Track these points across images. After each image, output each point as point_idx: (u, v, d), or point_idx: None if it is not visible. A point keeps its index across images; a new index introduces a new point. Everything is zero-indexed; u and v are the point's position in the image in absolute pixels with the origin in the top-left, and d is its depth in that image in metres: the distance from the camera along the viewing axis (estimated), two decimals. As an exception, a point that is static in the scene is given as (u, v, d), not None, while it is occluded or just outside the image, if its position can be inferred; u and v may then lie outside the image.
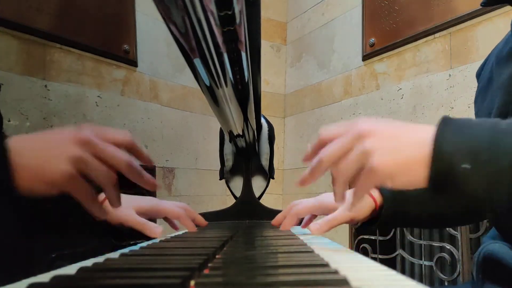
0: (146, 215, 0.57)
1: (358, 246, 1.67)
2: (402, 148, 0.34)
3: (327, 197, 0.60)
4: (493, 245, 0.55)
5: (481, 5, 0.58)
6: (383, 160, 0.34)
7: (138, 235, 0.63)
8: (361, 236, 1.64)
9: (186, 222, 0.61)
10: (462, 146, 0.32)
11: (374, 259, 1.53)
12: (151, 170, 1.67)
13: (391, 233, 1.50)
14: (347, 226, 1.70)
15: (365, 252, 1.62)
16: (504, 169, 0.30)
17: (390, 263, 1.55)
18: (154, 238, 0.57)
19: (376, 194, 0.57)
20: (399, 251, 1.52)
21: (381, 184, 0.36)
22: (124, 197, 0.48)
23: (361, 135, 0.36)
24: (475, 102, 0.66)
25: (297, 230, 0.66)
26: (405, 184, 0.35)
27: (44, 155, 0.35)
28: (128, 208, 0.54)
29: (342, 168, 0.39)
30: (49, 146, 0.36)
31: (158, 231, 0.53)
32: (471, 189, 0.32)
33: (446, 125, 0.34)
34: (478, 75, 0.70)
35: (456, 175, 0.32)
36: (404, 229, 1.44)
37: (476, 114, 0.65)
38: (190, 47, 0.42)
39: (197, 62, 0.47)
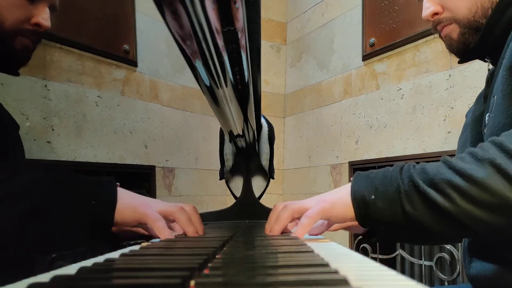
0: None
1: (358, 246, 1.67)
2: (329, 198, 0.52)
3: (306, 203, 0.59)
4: None
5: (458, 63, 0.67)
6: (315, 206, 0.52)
7: (137, 236, 0.63)
8: (361, 236, 1.64)
9: (188, 232, 0.55)
10: (367, 185, 0.48)
11: (374, 259, 1.53)
12: (150, 170, 1.67)
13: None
14: (347, 226, 1.70)
15: (365, 252, 1.62)
16: (393, 192, 0.46)
17: (390, 263, 1.55)
18: (153, 238, 0.57)
19: None
20: (399, 251, 1.52)
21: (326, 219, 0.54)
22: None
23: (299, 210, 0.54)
24: (460, 134, 0.77)
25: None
26: (339, 219, 0.51)
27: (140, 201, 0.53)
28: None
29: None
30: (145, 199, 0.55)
31: (167, 232, 0.52)
32: (380, 213, 0.47)
33: (357, 176, 0.51)
34: (467, 114, 0.80)
35: (368, 205, 0.48)
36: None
37: (458, 143, 0.75)
38: (191, 49, 0.42)
39: (197, 62, 0.47)
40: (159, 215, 0.52)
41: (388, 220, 0.47)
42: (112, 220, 0.49)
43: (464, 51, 0.63)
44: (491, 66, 0.64)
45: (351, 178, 0.50)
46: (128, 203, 0.50)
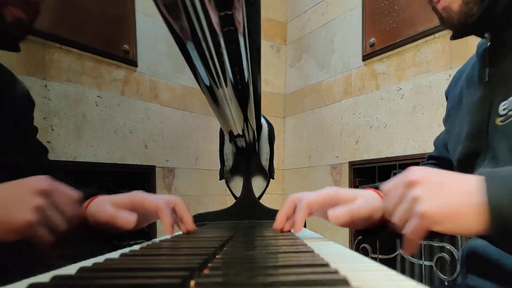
0: (126, 209, 0.52)
1: (358, 246, 1.67)
2: (449, 197, 0.37)
3: (339, 189, 0.55)
4: (475, 241, 0.59)
5: (450, 39, 0.61)
6: (430, 206, 0.37)
7: (136, 235, 0.61)
8: (361, 236, 1.64)
9: (164, 219, 0.52)
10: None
11: (374, 259, 1.54)
12: (150, 169, 1.67)
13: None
14: (347, 226, 1.70)
15: (365, 252, 1.62)
16: None
17: (390, 263, 1.55)
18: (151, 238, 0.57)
19: None
20: (399, 251, 1.52)
21: (430, 229, 0.37)
22: (104, 197, 0.54)
23: (411, 183, 0.39)
24: (445, 121, 0.70)
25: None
26: (454, 231, 0.37)
27: (7, 205, 0.39)
28: (105, 204, 0.51)
29: (396, 216, 0.41)
30: (12, 197, 0.40)
31: (131, 219, 0.48)
32: None
33: (493, 178, 0.36)
34: (447, 94, 0.74)
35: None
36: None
37: (448, 132, 0.68)
38: (181, 27, 0.41)
39: (197, 62, 0.47)
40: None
41: None
42: None
43: (463, 24, 0.55)
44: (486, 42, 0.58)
45: (482, 181, 0.36)
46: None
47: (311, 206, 0.53)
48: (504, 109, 0.51)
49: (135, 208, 0.51)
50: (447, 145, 0.68)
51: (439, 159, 0.76)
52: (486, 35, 0.58)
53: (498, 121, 0.52)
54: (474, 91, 0.58)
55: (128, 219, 0.48)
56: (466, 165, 0.58)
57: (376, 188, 0.59)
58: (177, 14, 0.37)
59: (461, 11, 0.54)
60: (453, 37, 0.60)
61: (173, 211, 0.55)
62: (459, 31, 0.57)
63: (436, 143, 0.78)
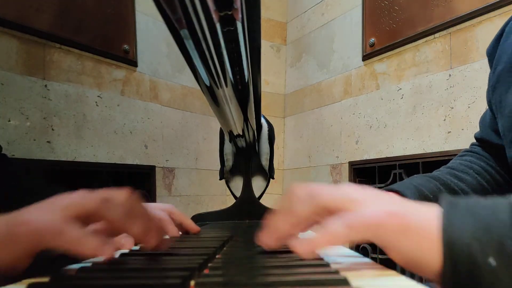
0: None
1: (358, 246, 1.67)
2: (405, 217, 0.28)
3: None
4: None
5: None
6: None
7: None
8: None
9: (170, 231, 0.49)
10: (481, 234, 0.25)
11: (374, 259, 1.53)
12: (150, 170, 1.67)
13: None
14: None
15: (365, 252, 1.62)
16: None
17: (390, 263, 1.55)
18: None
19: None
20: (399, 251, 1.52)
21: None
22: None
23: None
24: (492, 90, 0.54)
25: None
26: (407, 259, 0.28)
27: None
28: None
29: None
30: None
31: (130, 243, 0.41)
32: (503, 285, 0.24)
33: (452, 207, 0.27)
34: (491, 54, 0.57)
35: (480, 269, 0.24)
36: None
37: (498, 105, 0.52)
38: (176, 16, 0.39)
39: (197, 62, 0.47)
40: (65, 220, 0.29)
41: None
42: None
43: None
44: None
45: (439, 207, 0.28)
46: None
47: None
48: None
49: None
50: (496, 127, 0.53)
51: (484, 143, 0.62)
52: None
53: None
54: None
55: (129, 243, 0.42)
56: None
57: (390, 190, 0.52)
58: (177, 14, 0.37)
59: None
60: None
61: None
62: None
63: (481, 122, 0.62)
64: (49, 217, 0.28)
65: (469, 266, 0.24)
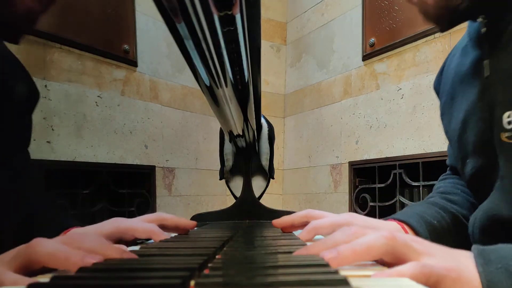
0: (112, 239, 0.47)
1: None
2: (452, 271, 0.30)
3: (357, 218, 0.49)
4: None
5: (441, 31, 0.51)
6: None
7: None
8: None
9: (160, 239, 0.49)
10: None
11: (374, 259, 1.53)
12: (150, 170, 1.67)
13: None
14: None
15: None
16: None
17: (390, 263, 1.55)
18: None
19: None
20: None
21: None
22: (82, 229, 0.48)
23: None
24: (442, 119, 0.61)
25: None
26: None
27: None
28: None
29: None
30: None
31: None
32: None
33: (487, 263, 0.30)
34: (436, 88, 0.64)
35: None
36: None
37: (446, 133, 0.61)
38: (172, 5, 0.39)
39: (197, 62, 0.47)
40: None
41: None
42: None
43: (449, 15, 0.46)
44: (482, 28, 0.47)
45: (476, 263, 0.31)
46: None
47: (317, 231, 0.47)
48: (509, 122, 0.42)
49: (123, 237, 0.47)
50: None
51: (452, 169, 0.69)
52: (480, 19, 0.47)
53: (504, 137, 0.43)
54: (469, 88, 0.49)
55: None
56: (481, 180, 0.50)
57: (400, 220, 0.53)
58: (177, 14, 0.38)
59: (437, 5, 0.45)
60: (441, 31, 0.50)
61: (163, 227, 0.53)
62: (444, 24, 0.48)
63: (449, 150, 0.69)
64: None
65: None
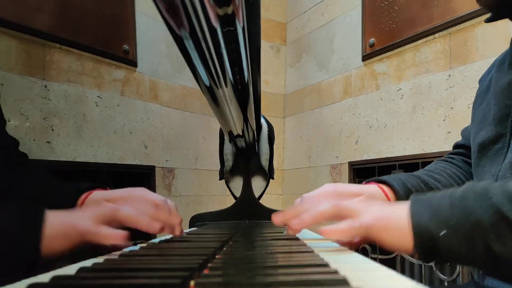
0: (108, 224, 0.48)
1: (358, 247, 1.67)
2: (385, 212, 0.43)
3: (339, 187, 0.54)
4: None
5: (485, 21, 0.59)
6: (369, 217, 0.43)
7: (136, 236, 0.59)
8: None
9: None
10: (433, 217, 0.39)
11: (374, 259, 1.53)
12: (150, 170, 1.67)
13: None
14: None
15: (365, 252, 1.62)
16: (472, 226, 0.37)
17: (390, 263, 1.55)
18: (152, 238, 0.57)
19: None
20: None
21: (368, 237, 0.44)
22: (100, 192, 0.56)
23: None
24: (473, 105, 0.69)
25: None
26: (386, 245, 0.42)
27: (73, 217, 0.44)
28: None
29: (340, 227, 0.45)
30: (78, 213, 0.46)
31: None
32: (454, 250, 0.38)
33: (416, 202, 0.41)
34: (480, 80, 0.72)
35: (437, 241, 0.38)
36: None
37: (472, 117, 0.67)
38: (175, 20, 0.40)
39: (197, 62, 0.47)
40: (96, 223, 0.43)
41: (463, 257, 0.38)
42: (37, 257, 0.40)
43: (501, 3, 0.52)
44: None
45: (409, 204, 0.42)
46: (57, 230, 0.41)
47: (318, 221, 0.50)
48: None
49: (116, 224, 0.48)
50: None
51: (464, 148, 0.75)
52: None
53: None
54: (503, 75, 0.57)
55: (111, 237, 0.43)
56: (487, 149, 0.57)
57: (379, 181, 0.59)
58: (177, 14, 0.38)
59: None
60: (488, 20, 0.57)
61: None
62: (496, 11, 0.55)
63: (463, 132, 0.77)
64: (88, 222, 0.43)
65: (430, 240, 0.38)
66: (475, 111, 0.66)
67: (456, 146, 0.78)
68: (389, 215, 0.42)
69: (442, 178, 0.66)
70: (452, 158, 0.75)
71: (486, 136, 0.57)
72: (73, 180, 0.59)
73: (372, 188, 0.57)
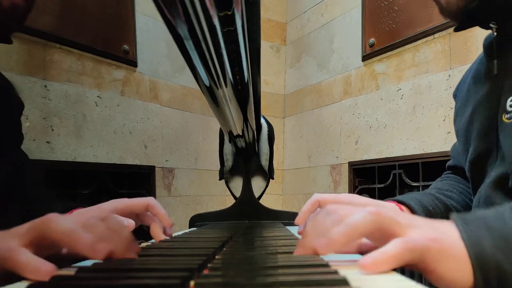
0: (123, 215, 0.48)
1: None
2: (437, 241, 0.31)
3: (357, 199, 0.50)
4: None
5: (454, 31, 0.59)
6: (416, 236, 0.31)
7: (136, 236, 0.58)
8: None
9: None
10: (498, 244, 0.29)
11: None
12: (150, 170, 1.67)
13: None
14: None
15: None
16: None
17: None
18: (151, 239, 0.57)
19: None
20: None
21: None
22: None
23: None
24: (454, 122, 0.67)
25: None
26: (442, 281, 0.31)
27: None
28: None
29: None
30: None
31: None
32: None
33: (472, 226, 0.31)
34: (455, 95, 0.71)
35: (508, 278, 0.28)
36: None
37: (456, 132, 0.66)
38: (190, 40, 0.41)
39: (197, 62, 0.47)
40: (20, 245, 0.31)
41: None
42: None
43: (464, 12, 0.50)
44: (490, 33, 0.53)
45: (455, 224, 0.32)
46: None
47: (321, 204, 0.51)
48: (511, 106, 0.48)
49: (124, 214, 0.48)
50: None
51: (455, 169, 0.74)
52: (491, 25, 0.52)
53: (505, 118, 0.48)
54: (481, 86, 0.55)
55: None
56: (478, 167, 0.55)
57: (398, 201, 0.56)
58: (177, 14, 0.38)
59: (448, 3, 0.50)
60: (456, 29, 0.56)
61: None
62: (461, 20, 0.53)
63: (452, 152, 0.75)
64: (9, 243, 0.31)
65: (498, 274, 0.28)
66: (458, 127, 0.63)
67: (448, 167, 0.77)
68: (441, 236, 0.30)
69: (454, 194, 0.64)
70: (452, 175, 0.74)
71: (475, 152, 0.56)
72: (73, 180, 0.57)
73: (390, 205, 0.54)
